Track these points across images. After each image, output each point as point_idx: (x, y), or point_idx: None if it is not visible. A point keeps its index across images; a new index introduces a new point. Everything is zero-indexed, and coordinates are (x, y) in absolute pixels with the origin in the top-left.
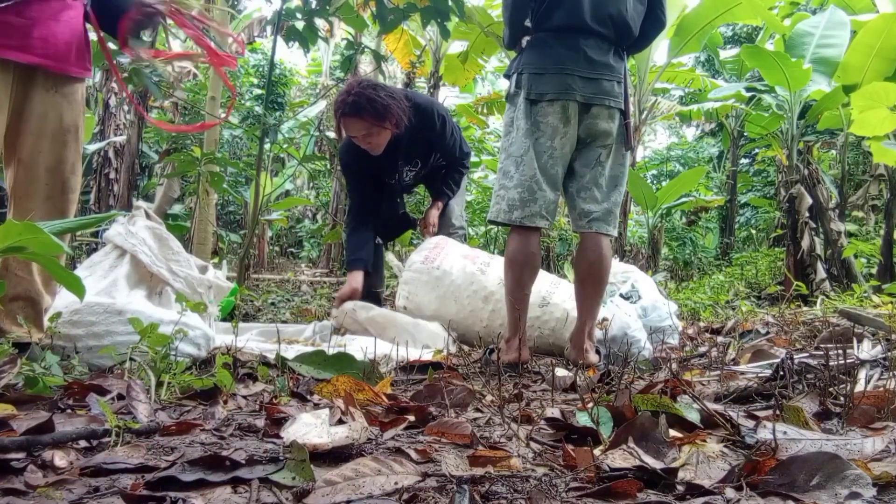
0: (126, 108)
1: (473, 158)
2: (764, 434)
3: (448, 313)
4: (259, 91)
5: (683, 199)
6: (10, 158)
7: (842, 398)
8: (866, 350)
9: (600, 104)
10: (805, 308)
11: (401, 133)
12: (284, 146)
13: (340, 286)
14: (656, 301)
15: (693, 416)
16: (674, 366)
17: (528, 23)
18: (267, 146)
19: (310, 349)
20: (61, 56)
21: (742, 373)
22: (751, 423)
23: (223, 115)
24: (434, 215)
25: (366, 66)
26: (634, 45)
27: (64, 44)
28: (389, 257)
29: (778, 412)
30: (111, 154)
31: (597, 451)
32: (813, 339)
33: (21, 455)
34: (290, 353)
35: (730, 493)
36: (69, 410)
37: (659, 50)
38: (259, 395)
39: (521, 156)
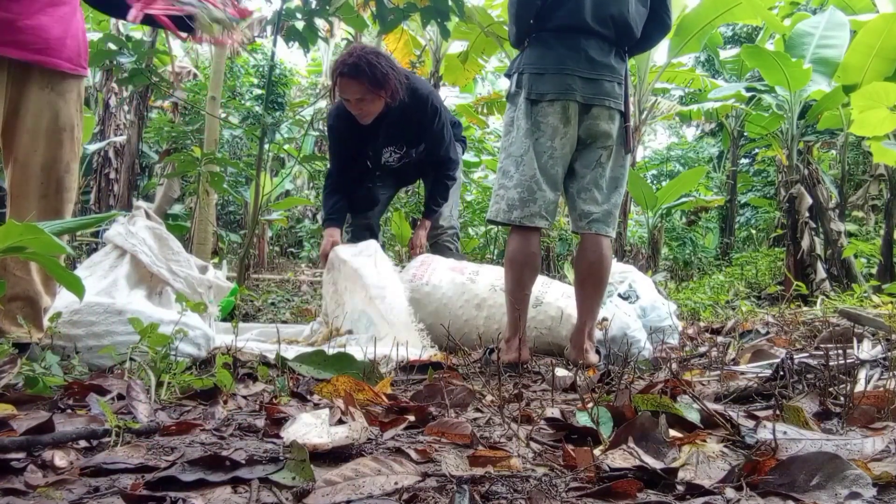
0: (126, 108)
1: (473, 158)
2: (764, 434)
3: (443, 328)
4: (259, 91)
5: (683, 199)
6: (7, 157)
7: (842, 398)
8: (866, 350)
9: (601, 105)
10: (805, 308)
11: (392, 109)
12: (284, 146)
13: None
14: (655, 301)
15: (693, 416)
16: (674, 366)
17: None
18: (267, 146)
19: (308, 349)
20: (55, 52)
21: (742, 373)
22: (751, 423)
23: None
24: (422, 237)
25: None
26: (636, 47)
27: (56, 39)
28: None
29: (778, 412)
30: (111, 154)
31: (597, 451)
32: (813, 339)
33: (21, 455)
34: (290, 353)
35: (730, 493)
36: (69, 410)
37: (659, 50)
38: (259, 395)
39: (522, 156)
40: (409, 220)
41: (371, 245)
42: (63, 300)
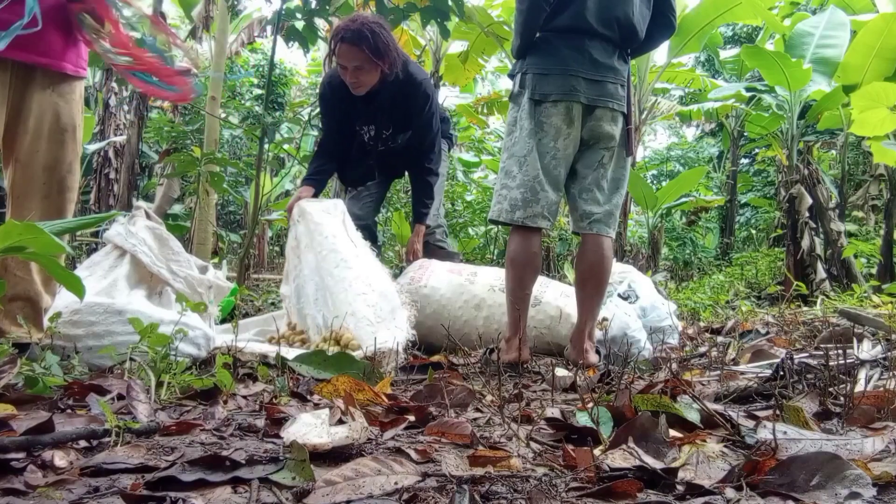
0: (126, 108)
1: (473, 158)
2: (764, 434)
3: (443, 329)
4: (259, 91)
5: (683, 199)
6: (8, 158)
7: (842, 398)
8: (866, 350)
9: (604, 106)
10: (805, 308)
11: (385, 87)
12: (284, 146)
13: None
14: (655, 301)
15: (693, 416)
16: (674, 366)
17: None
18: (267, 146)
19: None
20: (58, 53)
21: (742, 373)
22: (751, 423)
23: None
24: (416, 244)
25: None
26: (640, 49)
27: (61, 41)
28: None
29: (778, 412)
30: (111, 154)
31: (597, 451)
32: (813, 339)
33: (21, 455)
34: (289, 353)
35: (730, 493)
36: (69, 410)
37: (659, 50)
38: (259, 395)
39: (525, 156)
40: (408, 220)
41: (338, 205)
42: (63, 300)
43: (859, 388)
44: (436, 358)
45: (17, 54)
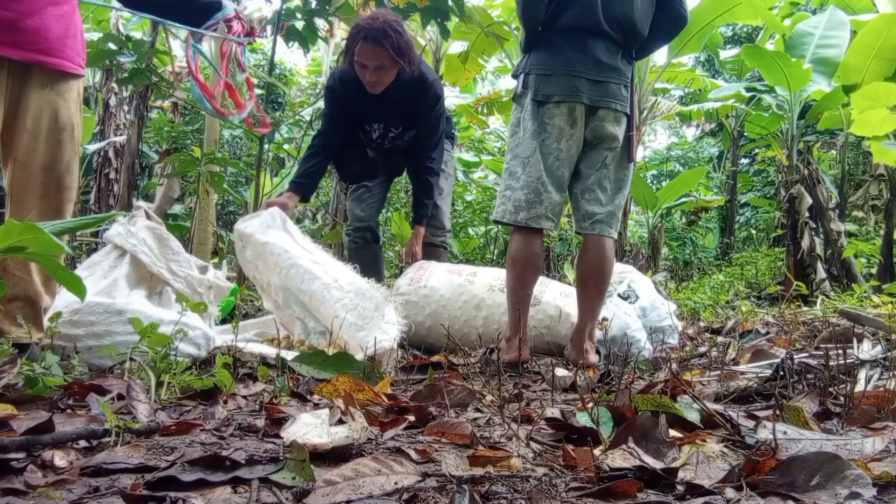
0: (126, 108)
1: (473, 158)
2: (764, 434)
3: (442, 329)
4: (259, 91)
5: (683, 199)
6: (7, 157)
7: (842, 398)
8: (866, 350)
9: (606, 107)
10: (805, 308)
11: (396, 85)
12: (284, 146)
13: None
14: (655, 301)
15: (693, 416)
16: (674, 366)
17: None
18: (267, 146)
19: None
20: (56, 51)
21: (742, 373)
22: (751, 423)
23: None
24: (415, 246)
25: None
26: (647, 46)
27: (57, 39)
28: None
29: (778, 412)
30: (111, 154)
31: (597, 451)
32: (813, 339)
33: (21, 455)
34: (289, 353)
35: (730, 493)
36: (69, 410)
37: (659, 50)
38: (259, 395)
39: (528, 157)
40: (408, 220)
41: (276, 214)
42: (63, 300)
43: (859, 388)
44: (436, 358)
45: (14, 52)
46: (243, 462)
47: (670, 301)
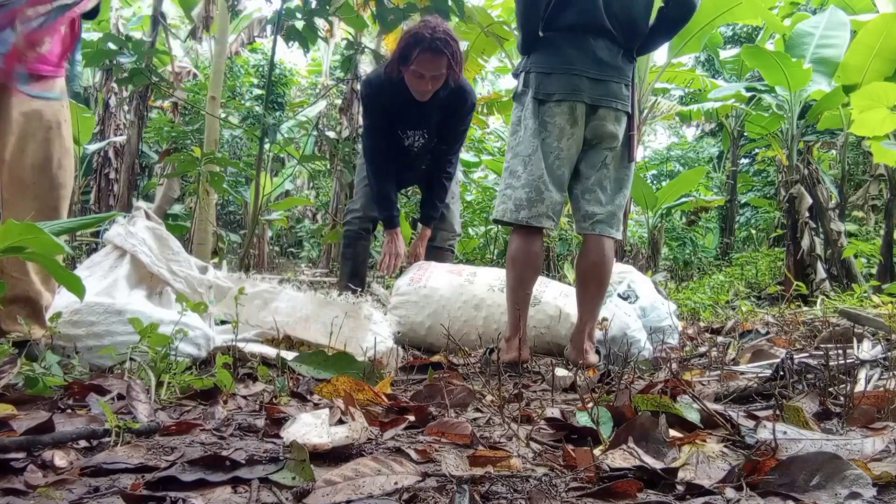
0: (126, 108)
1: (473, 158)
2: (764, 434)
3: (442, 329)
4: (259, 91)
5: (683, 199)
6: None
7: (842, 398)
8: (866, 350)
9: (607, 106)
10: (805, 308)
11: (438, 94)
12: (284, 146)
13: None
14: (655, 301)
15: (693, 416)
16: (674, 366)
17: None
18: (267, 146)
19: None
20: (39, 57)
21: (742, 373)
22: (751, 423)
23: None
24: (420, 247)
25: (366, 66)
26: (650, 43)
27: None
28: (374, 287)
29: (778, 412)
30: (111, 154)
31: (597, 451)
32: (813, 339)
33: (21, 455)
34: (289, 353)
35: (730, 493)
36: (69, 410)
37: (659, 50)
38: (259, 395)
39: (529, 155)
40: (408, 220)
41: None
42: (63, 300)
43: (859, 388)
44: (436, 358)
45: None
46: (243, 462)
47: (670, 301)
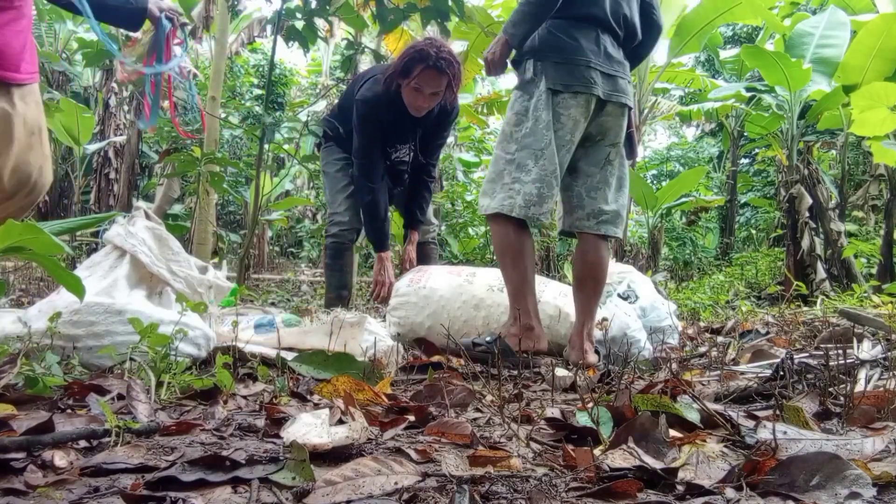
0: (126, 108)
1: (473, 158)
2: (764, 434)
3: (443, 329)
4: (259, 91)
5: (683, 199)
6: None
7: (842, 398)
8: (866, 350)
9: (616, 101)
10: (805, 308)
11: (433, 109)
12: (284, 146)
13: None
14: (655, 301)
15: (693, 416)
16: (674, 366)
17: None
18: (267, 146)
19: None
20: (13, 66)
21: (742, 373)
22: (751, 423)
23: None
24: (412, 251)
25: (366, 66)
26: (635, 54)
27: (16, 54)
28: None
29: (778, 412)
30: (111, 154)
31: (597, 451)
32: (813, 339)
33: (21, 455)
34: (289, 353)
35: (730, 493)
36: (69, 410)
37: (659, 50)
38: (259, 395)
39: (543, 149)
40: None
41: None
42: (63, 300)
43: (859, 388)
44: (436, 358)
45: None
46: (243, 462)
47: (670, 301)
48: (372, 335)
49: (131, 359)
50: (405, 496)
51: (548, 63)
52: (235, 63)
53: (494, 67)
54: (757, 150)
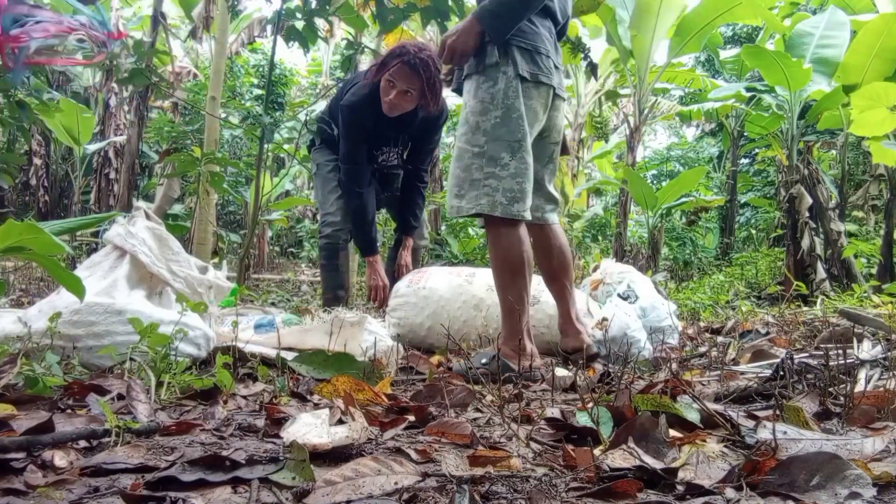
0: (126, 108)
1: None
2: (764, 434)
3: (442, 329)
4: (259, 91)
5: (683, 199)
6: None
7: (842, 398)
8: (866, 350)
9: (561, 97)
10: (805, 308)
11: (415, 113)
12: (284, 146)
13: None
14: (655, 301)
15: (693, 416)
16: (674, 366)
17: None
18: (267, 146)
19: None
20: None
21: (742, 373)
22: (751, 423)
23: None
24: (407, 257)
25: (366, 66)
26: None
27: None
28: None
29: (778, 412)
30: (111, 154)
31: (597, 451)
32: (813, 339)
33: (21, 455)
34: (289, 353)
35: (730, 493)
36: (69, 410)
37: (659, 50)
38: (259, 395)
39: (520, 140)
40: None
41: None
42: (63, 300)
43: (859, 388)
44: (435, 358)
45: None
46: (243, 462)
47: (670, 301)
48: (372, 335)
49: (131, 359)
50: (405, 496)
51: (513, 48)
52: (235, 63)
53: (462, 57)
54: (757, 150)
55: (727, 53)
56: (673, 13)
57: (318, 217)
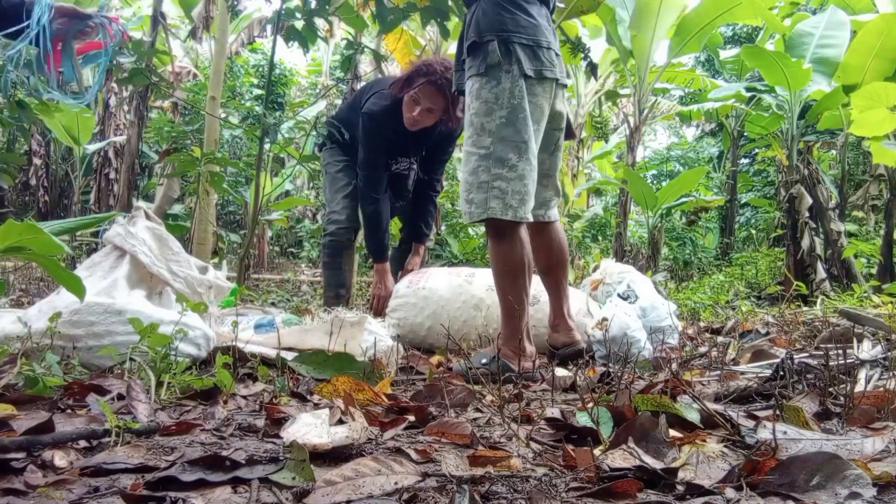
0: (126, 108)
1: None
2: (764, 434)
3: (442, 329)
4: (259, 91)
5: (683, 199)
6: None
7: (842, 398)
8: (866, 350)
9: (562, 84)
10: (805, 308)
11: (434, 126)
12: (284, 146)
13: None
14: (655, 301)
15: (693, 416)
16: (674, 366)
17: None
18: (267, 146)
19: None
20: None
21: (742, 373)
22: (751, 423)
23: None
24: (417, 264)
25: (366, 66)
26: None
27: None
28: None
29: (778, 412)
30: (111, 154)
31: (597, 451)
32: (813, 339)
33: (21, 455)
34: (289, 353)
35: (730, 493)
36: (69, 410)
37: (659, 50)
38: (259, 395)
39: (526, 141)
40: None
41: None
42: (63, 300)
43: (859, 388)
44: (435, 358)
45: None
46: (243, 462)
47: (670, 301)
48: (372, 335)
49: (131, 359)
50: (405, 496)
51: (515, 45)
52: (235, 63)
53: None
54: (757, 150)
55: (727, 53)
56: (673, 13)
57: (324, 215)
